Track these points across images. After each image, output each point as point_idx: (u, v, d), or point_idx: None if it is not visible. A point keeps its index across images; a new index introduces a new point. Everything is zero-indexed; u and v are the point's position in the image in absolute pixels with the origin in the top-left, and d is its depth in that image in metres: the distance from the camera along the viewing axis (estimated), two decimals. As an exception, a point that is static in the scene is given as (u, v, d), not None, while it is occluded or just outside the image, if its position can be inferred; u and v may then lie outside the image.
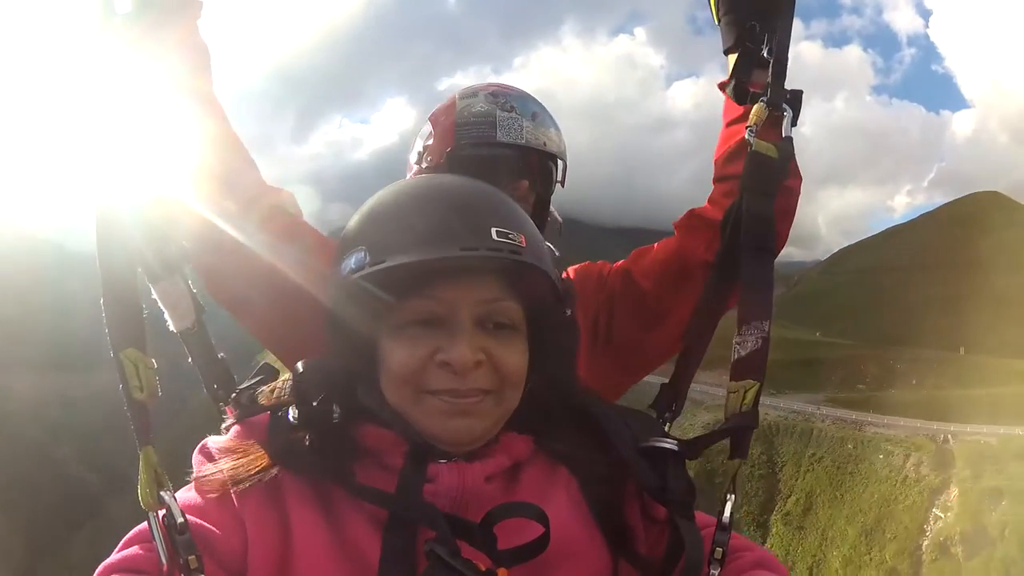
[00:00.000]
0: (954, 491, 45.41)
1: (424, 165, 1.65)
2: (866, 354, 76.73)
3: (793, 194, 1.42)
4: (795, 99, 1.32)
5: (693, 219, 1.50)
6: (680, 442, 1.01)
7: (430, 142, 1.65)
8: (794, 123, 1.32)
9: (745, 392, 1.06)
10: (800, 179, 1.44)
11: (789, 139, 1.27)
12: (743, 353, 1.08)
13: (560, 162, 1.69)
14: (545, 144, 1.62)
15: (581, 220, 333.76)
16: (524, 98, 1.65)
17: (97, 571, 0.83)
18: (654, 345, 1.57)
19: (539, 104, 1.67)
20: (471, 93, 1.64)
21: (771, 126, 1.30)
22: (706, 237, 1.42)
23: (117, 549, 0.87)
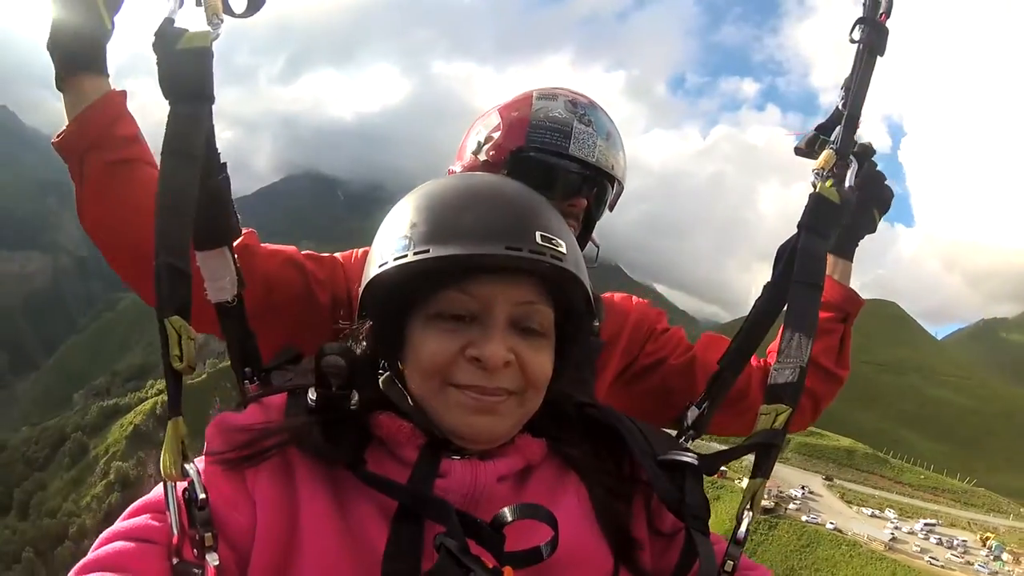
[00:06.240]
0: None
1: (484, 157, 1.54)
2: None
3: (840, 384, 1.60)
4: (863, 152, 1.37)
5: None
6: (699, 456, 1.02)
7: (496, 135, 1.54)
8: (857, 175, 1.36)
9: (776, 415, 1.06)
10: (848, 372, 1.61)
11: (852, 189, 1.29)
12: (779, 380, 1.08)
13: (618, 187, 1.63)
14: (613, 167, 1.56)
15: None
16: (602, 116, 1.57)
17: (102, 536, 0.81)
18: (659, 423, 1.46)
19: (614, 124, 1.60)
20: (550, 95, 1.55)
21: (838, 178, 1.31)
22: None
23: (124, 516, 0.85)
